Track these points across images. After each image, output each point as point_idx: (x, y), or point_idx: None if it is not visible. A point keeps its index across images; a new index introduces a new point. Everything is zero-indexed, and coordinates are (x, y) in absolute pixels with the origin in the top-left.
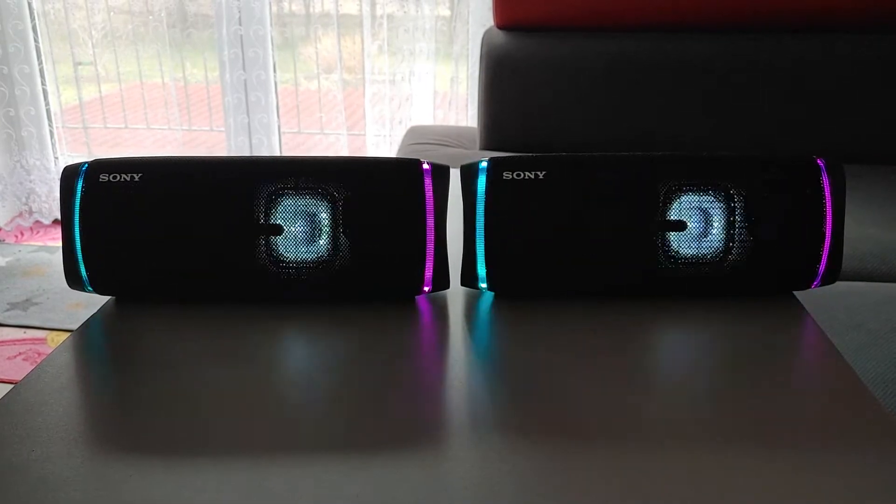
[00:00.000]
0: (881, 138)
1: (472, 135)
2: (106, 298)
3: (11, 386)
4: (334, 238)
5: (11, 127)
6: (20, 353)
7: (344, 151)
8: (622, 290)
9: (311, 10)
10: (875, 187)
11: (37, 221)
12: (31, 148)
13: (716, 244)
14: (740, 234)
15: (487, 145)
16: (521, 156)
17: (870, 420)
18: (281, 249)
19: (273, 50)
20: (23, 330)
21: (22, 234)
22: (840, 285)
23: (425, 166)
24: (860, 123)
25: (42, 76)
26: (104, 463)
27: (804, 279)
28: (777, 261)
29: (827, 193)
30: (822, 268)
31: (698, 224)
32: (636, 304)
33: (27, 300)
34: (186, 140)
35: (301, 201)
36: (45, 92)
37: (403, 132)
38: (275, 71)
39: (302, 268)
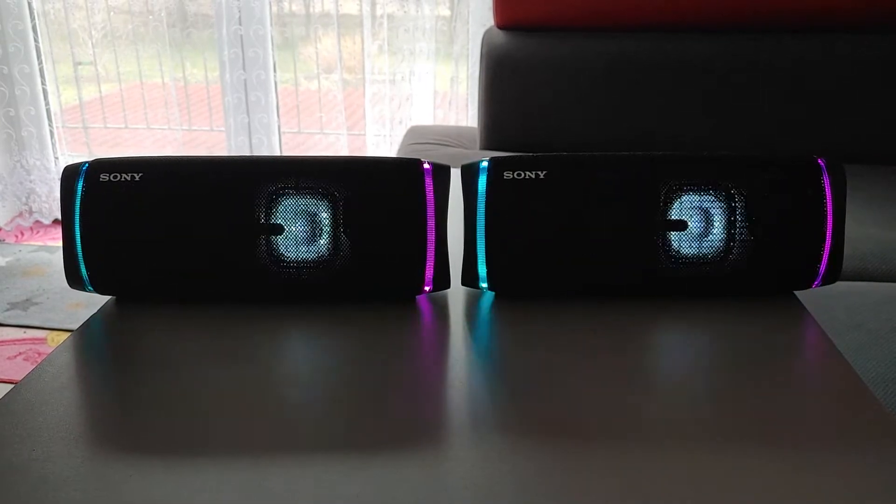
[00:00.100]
0: (881, 138)
1: (473, 135)
2: (106, 298)
3: (12, 386)
4: (335, 238)
5: (11, 127)
6: (20, 353)
7: (344, 151)
8: (622, 290)
9: (312, 9)
10: (875, 187)
11: (37, 221)
12: (31, 148)
13: (716, 244)
14: (741, 233)
15: (487, 145)
16: (521, 155)
17: (870, 420)
18: (281, 249)
19: (273, 50)
20: (23, 330)
21: (22, 233)
22: (840, 285)
23: (426, 166)
24: (860, 123)
25: (42, 76)
26: (104, 463)
27: (805, 279)
28: (778, 260)
29: (827, 193)
30: (822, 268)
31: (699, 224)
32: (636, 304)
33: (27, 300)
34: (186, 140)
35: (301, 201)
36: (45, 92)
37: (403, 132)
38: (275, 71)
39: (302, 268)
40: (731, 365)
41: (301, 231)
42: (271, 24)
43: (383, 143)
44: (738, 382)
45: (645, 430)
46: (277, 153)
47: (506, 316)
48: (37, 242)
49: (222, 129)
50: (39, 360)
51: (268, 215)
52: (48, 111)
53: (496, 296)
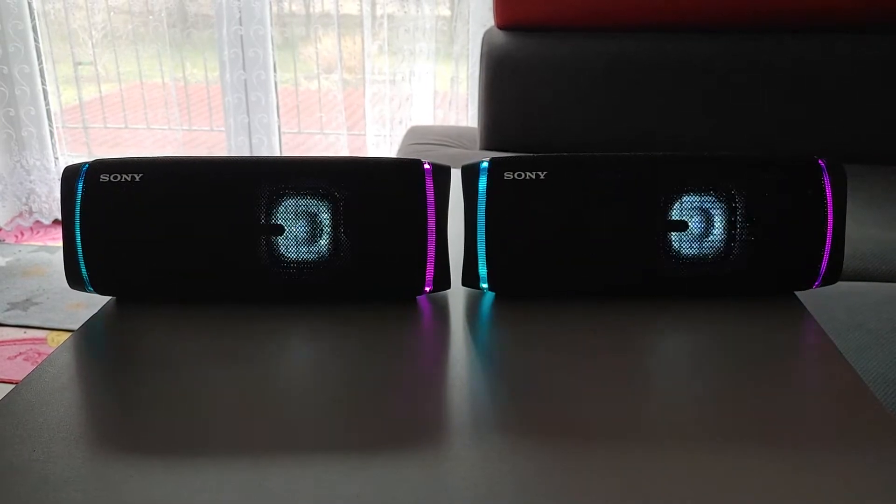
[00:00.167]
0: (881, 138)
1: (473, 135)
2: (107, 298)
3: (12, 386)
4: (335, 238)
5: (11, 127)
6: (20, 353)
7: (344, 151)
8: (623, 290)
9: (312, 10)
10: (876, 187)
11: (37, 221)
12: (31, 148)
13: (717, 244)
14: (741, 234)
15: (488, 145)
16: (522, 156)
17: (871, 420)
18: (282, 249)
19: (273, 50)
20: (23, 330)
21: (22, 234)
22: (841, 285)
23: (426, 166)
24: (860, 123)
25: (42, 76)
26: (105, 463)
27: (805, 279)
28: (778, 261)
29: (828, 193)
30: (823, 268)
31: (699, 224)
32: (637, 304)
33: (27, 300)
34: (186, 140)
35: (302, 201)
36: (45, 92)
37: (404, 132)
38: (275, 71)
39: (303, 268)
40: (731, 365)
41: (301, 231)
42: (271, 24)
43: (383, 144)
44: (738, 382)
45: (645, 430)
46: (277, 153)
47: (506, 316)
48: (37, 242)
49: (222, 129)
50: (39, 361)
51: (268, 216)
52: (48, 111)
53: (496, 296)
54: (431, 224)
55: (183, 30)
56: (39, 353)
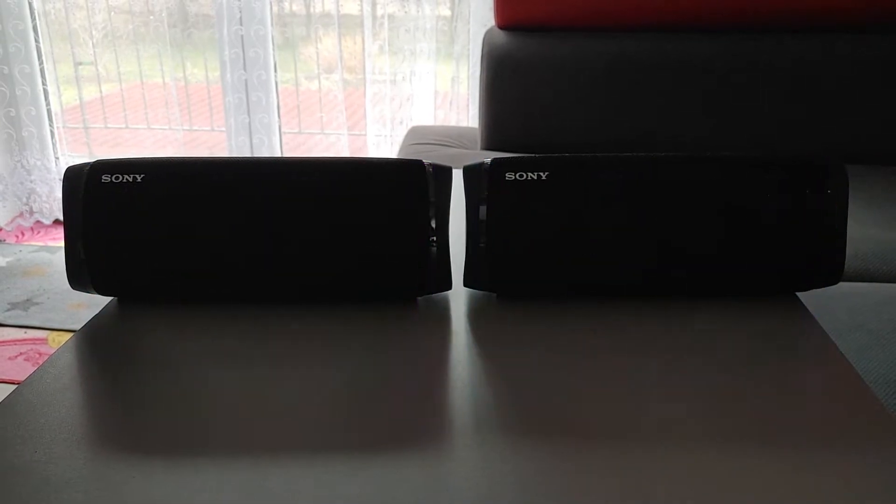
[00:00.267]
0: (882, 138)
1: (473, 135)
2: (108, 299)
3: (12, 386)
4: (336, 238)
5: (12, 127)
6: (21, 354)
7: (345, 151)
8: (624, 291)
9: (312, 10)
10: (876, 187)
11: (37, 221)
12: (32, 148)
13: (717, 244)
14: (742, 234)
15: (488, 145)
16: (523, 156)
17: (872, 420)
18: (283, 250)
19: (274, 50)
20: (23, 330)
21: (23, 234)
22: (842, 286)
23: (427, 167)
24: (861, 123)
25: (43, 76)
26: (106, 464)
27: (806, 280)
28: (779, 261)
29: (829, 193)
30: (824, 268)
31: (700, 224)
32: (637, 304)
33: (28, 300)
34: (187, 140)
35: (303, 202)
36: (45, 92)
37: (404, 132)
38: (276, 71)
39: (304, 268)
40: (731, 365)
41: (302, 232)
42: (272, 25)
43: (384, 144)
44: (738, 383)
45: (645, 430)
46: (278, 153)
47: (507, 317)
48: (37, 242)
49: (223, 129)
50: (40, 361)
51: (269, 216)
52: (49, 111)
53: (497, 296)
54: (432, 224)
55: (183, 30)
56: (40, 354)
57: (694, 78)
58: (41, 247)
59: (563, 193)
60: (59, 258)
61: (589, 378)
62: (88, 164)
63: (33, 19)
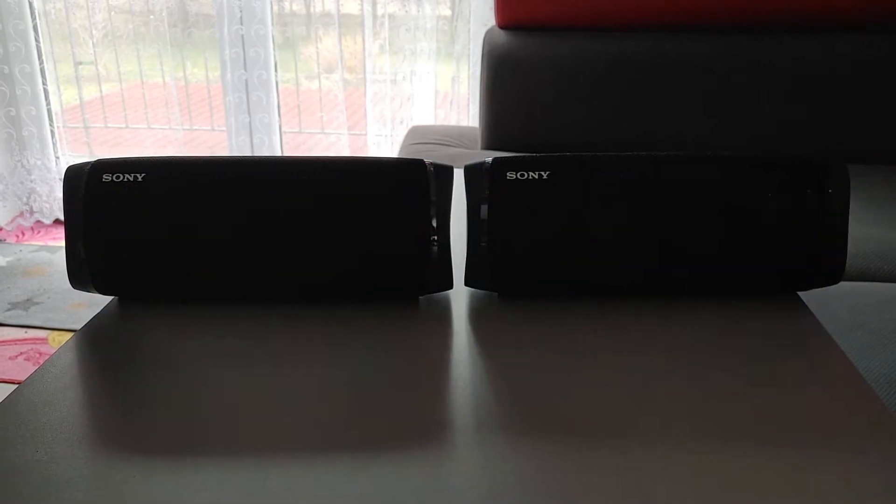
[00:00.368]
0: (882, 138)
1: (474, 134)
2: (109, 298)
3: (13, 386)
4: (337, 238)
5: (12, 126)
6: (21, 353)
7: (345, 151)
8: (625, 290)
9: (312, 9)
10: (877, 187)
11: (38, 221)
12: (32, 147)
13: (718, 244)
14: (743, 233)
15: (489, 145)
16: (524, 156)
17: (873, 420)
18: (284, 249)
19: (274, 49)
20: (24, 330)
21: (23, 233)
22: (843, 285)
23: (428, 166)
24: (861, 123)
25: (43, 76)
26: (107, 463)
27: (807, 279)
28: (780, 261)
29: (830, 193)
30: (825, 268)
31: (701, 224)
32: (638, 303)
33: (28, 300)
34: (187, 140)
35: (304, 201)
36: (45, 91)
37: (405, 132)
38: (276, 70)
39: (305, 268)
40: (732, 365)
41: (303, 231)
42: (272, 24)
43: (384, 143)
44: (739, 382)
45: (645, 430)
46: (278, 153)
47: (508, 316)
48: (38, 242)
49: (223, 128)
50: (41, 361)
51: (270, 215)
52: (49, 111)
53: (498, 296)
54: (433, 224)
55: (184, 29)
56: (40, 353)
57: (694, 78)
58: (41, 246)
59: (564, 193)
60: (60, 258)
61: (589, 378)
62: (89, 163)
63: (33, 19)
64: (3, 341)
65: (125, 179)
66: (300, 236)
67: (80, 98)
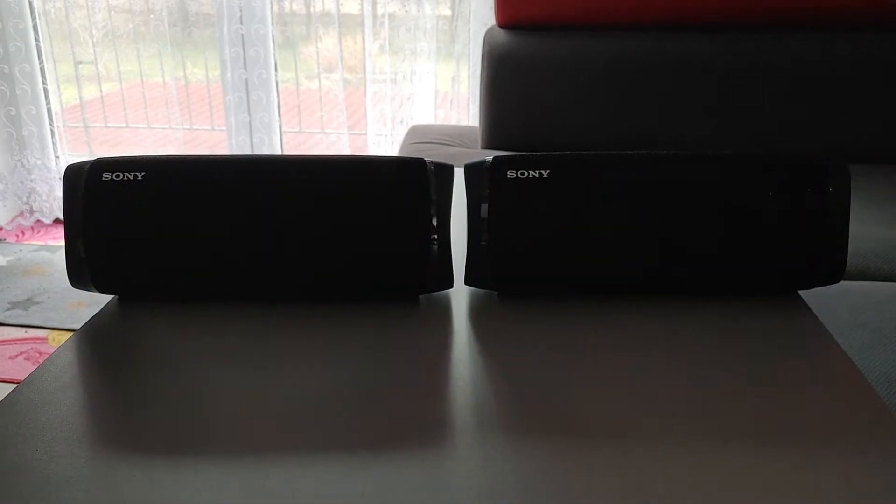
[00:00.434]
0: (882, 137)
1: (474, 134)
2: (108, 297)
3: (13, 385)
4: (337, 237)
5: (12, 126)
6: (21, 353)
7: (345, 151)
8: (625, 289)
9: (312, 9)
10: (877, 186)
11: (38, 220)
12: (32, 147)
13: (719, 243)
14: (743, 232)
15: (489, 144)
16: (524, 154)
17: (873, 419)
18: (284, 248)
19: (274, 49)
20: (24, 329)
21: (23, 233)
22: (843, 284)
23: (429, 165)
24: (861, 123)
25: (43, 75)
26: (107, 463)
27: (807, 278)
28: (780, 260)
29: (831, 192)
30: (825, 267)
31: (701, 222)
32: (639, 303)
33: (28, 299)
34: (187, 139)
35: (304, 200)
36: (45, 91)
37: (405, 131)
38: (276, 70)
39: (305, 266)
40: (732, 364)
41: (303, 230)
42: (272, 24)
43: (384, 143)
44: (739, 382)
45: (645, 430)
46: (278, 153)
47: (508, 315)
48: (38, 242)
49: (223, 128)
50: (41, 360)
51: (270, 214)
52: (49, 110)
53: (499, 295)
54: (433, 223)
55: (184, 29)
56: (40, 353)
57: (694, 77)
58: (41, 246)
59: (564, 191)
60: (60, 257)
61: (589, 377)
62: (89, 162)
63: (33, 18)
64: (3, 341)
65: (125, 178)
66: (300, 235)
67: (80, 97)
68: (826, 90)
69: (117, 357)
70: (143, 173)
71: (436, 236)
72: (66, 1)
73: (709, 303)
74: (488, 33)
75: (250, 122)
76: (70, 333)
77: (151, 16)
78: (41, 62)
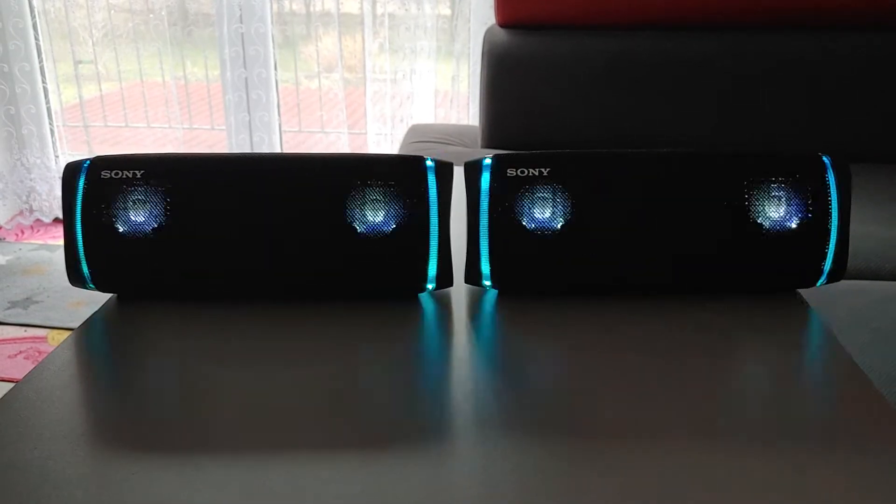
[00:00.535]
0: (883, 137)
1: (474, 133)
2: (108, 296)
3: (12, 384)
4: (337, 236)
5: (12, 125)
6: (21, 352)
7: (345, 150)
8: (626, 288)
9: (312, 8)
10: (877, 185)
11: (37, 220)
12: (32, 146)
13: (720, 242)
14: (745, 231)
15: (489, 143)
16: (524, 153)
17: (876, 418)
18: (284, 246)
19: (274, 48)
20: (23, 328)
21: (22, 232)
22: (843, 284)
23: (429, 163)
24: (861, 122)
25: (42, 74)
26: (106, 461)
27: (809, 277)
28: (782, 259)
29: (832, 191)
30: (826, 266)
31: (703, 221)
32: (639, 301)
33: (28, 298)
34: (187, 139)
35: (304, 198)
36: (45, 90)
37: (404, 131)
38: (276, 69)
39: (305, 265)
40: (733, 363)
41: (303, 228)
42: (272, 23)
43: (384, 142)
44: (741, 381)
45: (646, 430)
46: (278, 152)
47: (508, 314)
48: (37, 241)
49: (223, 127)
50: (40, 359)
51: (270, 212)
52: (49, 109)
53: (499, 293)
54: (434, 221)
55: (183, 28)
56: (40, 352)
57: (694, 77)
58: (41, 245)
59: (564, 190)
60: (59, 256)
61: (590, 376)
62: (88, 159)
63: (33, 17)
64: (3, 340)
65: (124, 176)
66: (300, 233)
67: (80, 97)
68: (826, 90)
69: (116, 356)
70: (142, 171)
71: (436, 234)
72: (66, 0)
73: (709, 302)
74: (488, 32)
75: (250, 121)
76: (69, 333)
77: (151, 15)
78: (41, 61)
